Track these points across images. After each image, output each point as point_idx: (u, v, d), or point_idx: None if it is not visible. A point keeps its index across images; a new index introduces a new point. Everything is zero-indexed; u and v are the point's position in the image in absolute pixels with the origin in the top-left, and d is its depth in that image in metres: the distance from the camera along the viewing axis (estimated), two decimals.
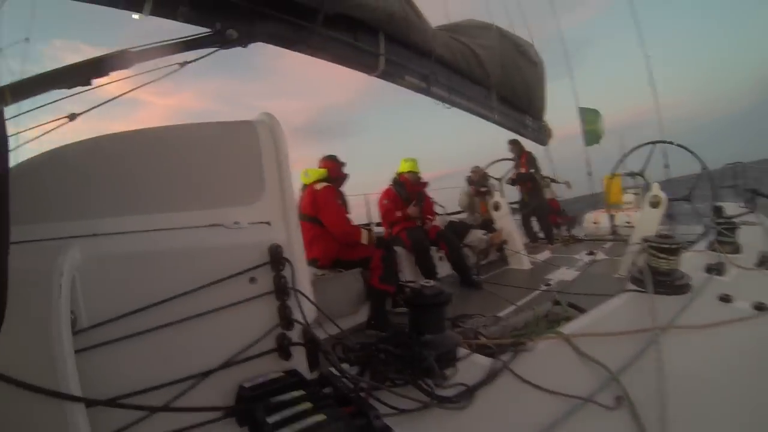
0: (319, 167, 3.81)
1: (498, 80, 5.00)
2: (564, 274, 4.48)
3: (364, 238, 3.55)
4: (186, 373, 1.20)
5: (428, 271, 4.31)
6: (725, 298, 1.89)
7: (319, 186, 3.61)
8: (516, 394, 1.37)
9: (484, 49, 4.84)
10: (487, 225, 5.52)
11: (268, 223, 1.49)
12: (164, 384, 1.16)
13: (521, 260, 5.09)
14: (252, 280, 1.34)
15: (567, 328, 1.75)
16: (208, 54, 2.56)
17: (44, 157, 1.31)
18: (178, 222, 1.33)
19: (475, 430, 1.26)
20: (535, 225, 6.66)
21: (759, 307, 1.75)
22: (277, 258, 1.36)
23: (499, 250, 5.37)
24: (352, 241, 3.56)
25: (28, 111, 2.23)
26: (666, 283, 2.00)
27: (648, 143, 4.83)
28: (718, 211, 4.09)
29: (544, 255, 5.49)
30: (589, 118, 7.95)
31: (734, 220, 3.17)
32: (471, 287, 4.38)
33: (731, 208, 4.51)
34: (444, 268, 4.63)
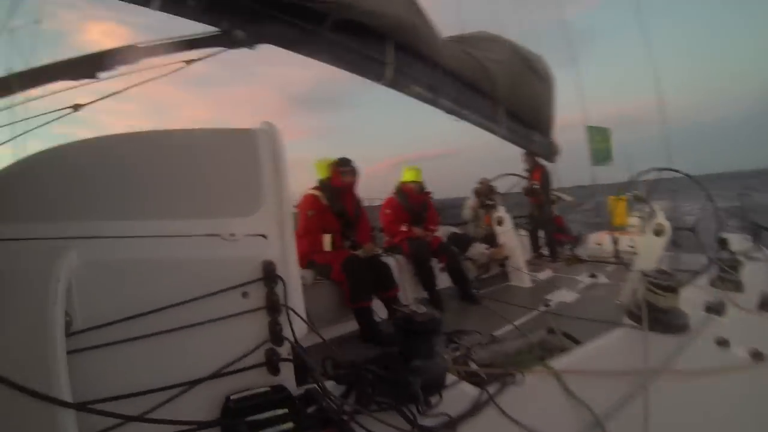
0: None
1: (506, 94, 4.96)
2: (564, 295, 4.42)
3: (327, 245, 3.56)
4: (175, 381, 1.20)
5: (427, 283, 4.26)
6: (722, 342, 1.83)
7: (307, 191, 3.69)
8: (499, 429, 1.35)
9: (493, 63, 4.81)
10: (490, 239, 5.47)
11: (264, 236, 1.48)
12: (151, 390, 1.15)
13: (522, 277, 5.03)
14: (244, 294, 1.34)
15: (558, 362, 1.73)
16: (215, 54, 2.56)
17: (45, 154, 1.32)
18: (175, 229, 1.34)
19: None
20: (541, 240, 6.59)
21: (756, 356, 1.71)
22: (270, 274, 1.37)
23: (500, 266, 5.31)
24: (310, 249, 3.60)
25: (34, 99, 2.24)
26: (663, 320, 1.95)
27: (654, 169, 4.77)
28: (722, 243, 4.02)
29: (546, 273, 5.42)
30: (598, 137, 7.87)
31: (738, 255, 3.10)
32: (470, 301, 4.33)
33: (737, 240, 4.43)
34: (443, 280, 4.58)
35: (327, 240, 3.56)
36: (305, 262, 3.66)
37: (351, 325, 3.51)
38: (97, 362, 1.13)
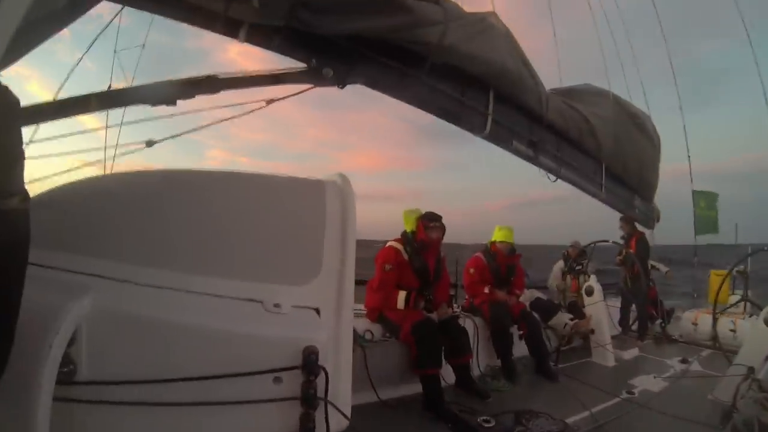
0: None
1: (610, 153, 4.63)
2: (650, 382, 3.98)
3: (400, 303, 3.35)
4: None
5: (503, 352, 3.97)
6: None
7: (389, 243, 3.56)
8: None
9: (598, 119, 4.51)
10: (575, 308, 5.06)
11: (316, 310, 1.29)
12: None
13: (606, 355, 4.59)
14: (276, 380, 1.15)
15: None
16: (300, 92, 2.50)
17: (79, 185, 1.26)
18: (212, 288, 1.18)
19: None
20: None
21: None
22: (310, 364, 1.16)
23: (583, 339, 4.90)
24: (383, 304, 3.44)
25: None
26: None
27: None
28: None
29: (632, 352, 4.94)
30: (703, 203, 7.18)
31: None
32: (546, 376, 4.00)
33: None
34: (520, 348, 4.28)
35: (401, 297, 3.37)
36: (376, 315, 3.51)
37: (415, 387, 3.28)
38: (99, 419, 1.00)
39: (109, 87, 2.43)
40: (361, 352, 3.05)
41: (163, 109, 2.15)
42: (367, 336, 3.32)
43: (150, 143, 2.21)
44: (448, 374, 3.43)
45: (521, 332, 4.25)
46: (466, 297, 4.57)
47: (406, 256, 3.47)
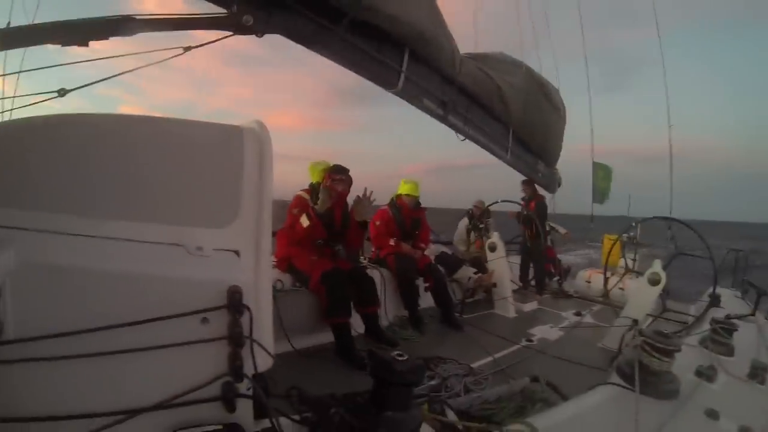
0: None
1: (518, 120, 4.88)
2: (547, 331, 4.37)
3: (304, 221, 3.43)
4: (116, 408, 1.05)
5: (410, 302, 4.16)
6: (712, 414, 1.73)
7: (298, 192, 3.61)
8: None
9: (509, 86, 4.72)
10: (479, 263, 5.38)
11: (236, 252, 1.31)
12: (86, 415, 1.00)
13: (507, 307, 4.96)
14: (204, 320, 1.17)
15: (541, 420, 1.57)
16: (218, 39, 2.40)
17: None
18: (133, 233, 1.17)
19: None
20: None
21: None
22: (235, 303, 1.19)
23: (486, 292, 5.23)
24: (290, 240, 3.52)
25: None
26: (654, 384, 1.83)
27: (655, 218, 4.72)
28: (715, 299, 3.96)
29: (531, 305, 5.36)
30: (601, 174, 7.83)
31: (731, 316, 3.01)
32: (451, 326, 4.25)
33: (727, 296, 4.38)
34: (427, 300, 4.49)
35: (305, 217, 3.42)
36: (285, 264, 3.56)
37: (327, 336, 3.39)
38: (28, 377, 0.99)
39: (8, 24, 2.21)
40: (273, 301, 3.11)
41: (74, 54, 1.99)
42: (278, 286, 3.35)
43: (62, 92, 2.03)
44: (358, 324, 3.56)
45: (427, 284, 4.44)
46: (373, 249, 4.70)
47: (313, 206, 3.52)
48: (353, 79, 3.26)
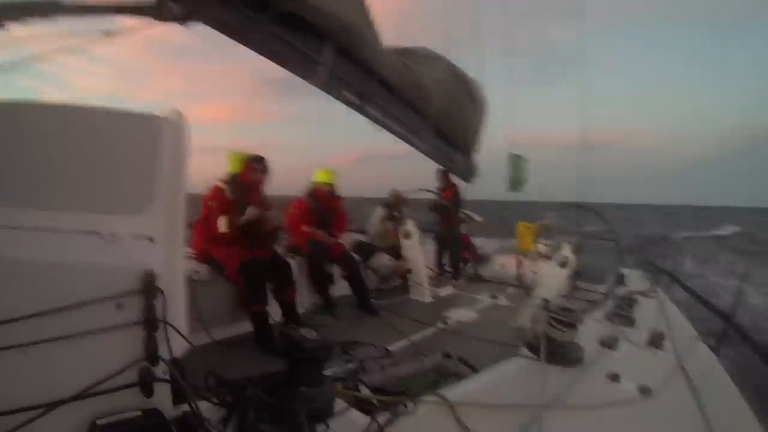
0: None
1: (437, 113, 5.05)
2: (463, 314, 4.55)
3: (222, 226, 3.40)
4: (35, 401, 1.04)
5: (320, 288, 4.26)
6: (613, 377, 1.92)
7: (216, 182, 3.54)
8: None
9: (430, 80, 4.86)
10: (394, 251, 5.54)
11: (151, 239, 1.33)
12: (3, 412, 0.99)
13: (423, 292, 5.13)
14: (119, 306, 1.19)
15: (452, 391, 1.69)
16: (142, 28, 2.32)
17: None
18: (48, 222, 1.16)
19: None
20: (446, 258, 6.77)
21: (643, 391, 1.80)
22: (148, 287, 1.22)
23: (402, 278, 5.39)
24: (207, 234, 3.48)
25: None
26: (559, 353, 2.01)
27: (564, 205, 5.02)
28: (620, 279, 4.36)
29: (447, 290, 5.57)
30: (516, 164, 8.24)
31: (633, 292, 3.32)
32: (367, 312, 4.37)
33: (633, 276, 4.81)
34: (344, 288, 4.60)
35: (223, 220, 3.39)
36: (202, 256, 3.53)
37: (246, 326, 3.42)
38: None
39: None
40: (191, 292, 3.06)
41: None
42: (195, 276, 3.33)
43: None
44: (276, 312, 3.59)
45: (344, 273, 4.55)
46: (288, 238, 4.71)
47: (230, 196, 3.50)
48: (281, 69, 3.24)
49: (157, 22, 2.32)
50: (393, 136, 4.59)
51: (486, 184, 7.36)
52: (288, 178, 3.81)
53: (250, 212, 3.46)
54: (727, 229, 38.13)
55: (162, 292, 1.25)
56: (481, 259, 7.30)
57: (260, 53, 3.06)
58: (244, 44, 2.92)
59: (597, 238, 4.85)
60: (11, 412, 1.00)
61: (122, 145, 1.35)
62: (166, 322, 1.26)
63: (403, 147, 5.07)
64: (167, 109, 1.46)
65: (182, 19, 2.36)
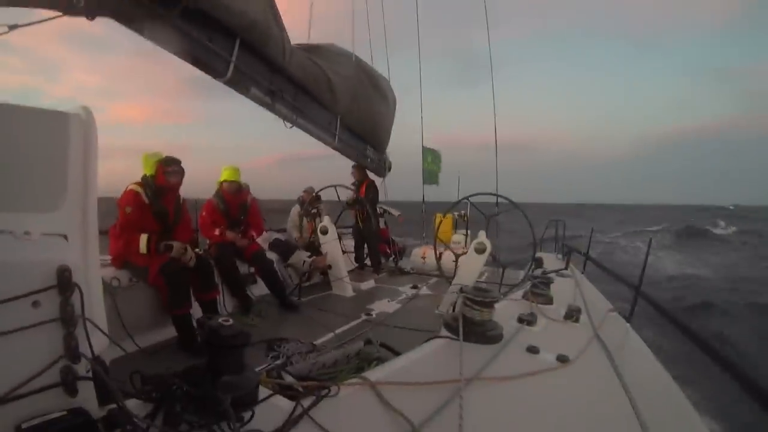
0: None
1: (346, 109, 5.13)
2: (386, 305, 4.65)
3: (142, 247, 3.27)
4: None
5: (234, 288, 4.20)
6: (532, 350, 2.02)
7: (129, 186, 3.36)
8: None
9: (338, 76, 4.92)
10: (313, 247, 5.56)
11: (64, 236, 1.29)
12: None
13: (344, 287, 5.18)
14: (35, 304, 1.13)
15: (375, 374, 1.73)
16: (47, 19, 2.22)
17: None
18: None
19: None
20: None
21: (561, 359, 1.91)
22: (64, 282, 1.17)
23: (322, 274, 5.42)
24: (126, 250, 3.33)
25: None
26: (478, 332, 2.10)
27: (479, 194, 5.26)
28: (538, 262, 4.65)
29: (369, 284, 5.65)
30: (430, 157, 8.58)
31: (550, 273, 3.56)
32: (287, 308, 4.36)
33: (550, 259, 5.15)
34: (263, 288, 4.55)
35: (143, 241, 3.25)
36: (121, 262, 3.34)
37: (170, 331, 3.32)
38: None
39: None
40: (111, 300, 2.93)
41: None
42: (114, 283, 3.18)
43: None
44: (197, 314, 3.46)
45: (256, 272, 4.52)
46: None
47: (146, 200, 3.34)
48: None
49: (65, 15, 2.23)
50: (309, 139, 4.62)
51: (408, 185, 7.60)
52: (208, 181, 3.65)
53: (177, 251, 3.35)
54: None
55: (79, 287, 1.20)
56: (401, 251, 7.49)
57: (168, 50, 2.97)
58: (151, 40, 2.83)
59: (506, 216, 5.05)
60: None
61: (30, 142, 1.30)
62: (85, 318, 1.22)
63: (323, 148, 5.11)
64: (75, 106, 1.43)
65: (89, 13, 2.28)
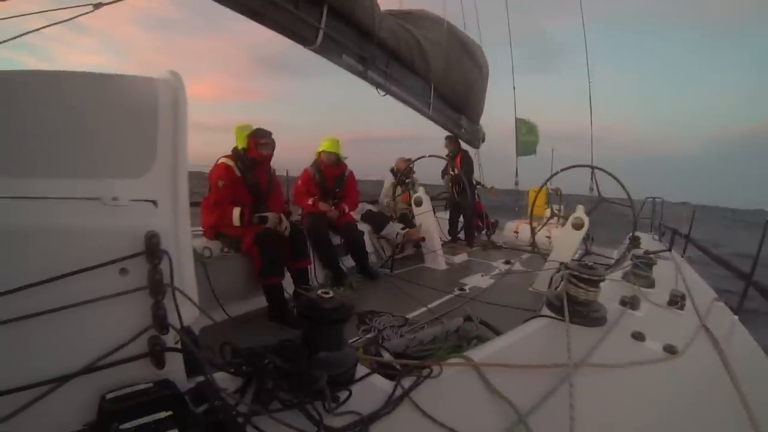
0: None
1: (439, 76, 4.95)
2: (479, 280, 4.51)
3: (236, 220, 3.32)
4: (41, 378, 0.98)
5: (326, 260, 4.20)
6: (638, 336, 1.88)
7: (220, 159, 3.42)
8: (415, 428, 1.21)
9: (430, 43, 4.75)
10: (406, 219, 5.47)
11: (154, 202, 1.27)
12: (9, 390, 0.93)
13: (437, 260, 5.07)
14: (122, 271, 1.11)
15: (477, 353, 1.63)
16: None
17: None
18: (47, 190, 1.10)
19: None
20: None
21: (669, 350, 1.76)
22: (153, 249, 1.14)
23: (415, 247, 5.33)
24: (219, 222, 3.39)
25: None
26: (583, 313, 1.96)
27: (576, 166, 4.94)
28: (636, 241, 4.28)
29: (461, 257, 5.50)
30: (524, 128, 8.14)
31: (651, 254, 3.27)
32: (367, 276, 4.36)
33: (646, 239, 4.72)
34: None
35: (236, 214, 3.32)
36: (213, 233, 3.46)
37: (260, 301, 3.37)
38: None
39: None
40: (203, 270, 3.00)
41: None
42: (206, 253, 3.27)
43: None
44: (289, 287, 3.52)
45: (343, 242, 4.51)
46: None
47: (238, 173, 3.40)
48: (274, 47, 3.20)
49: None
50: (382, 119, 4.54)
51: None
52: (280, 157, 3.71)
53: (272, 221, 3.40)
54: None
55: (168, 254, 1.17)
56: (494, 225, 7.24)
57: (256, 20, 2.99)
58: (238, 11, 2.86)
59: (612, 201, 4.73)
60: (18, 389, 0.94)
61: (120, 109, 1.28)
62: (174, 287, 1.19)
63: (397, 130, 5.00)
64: (164, 71, 1.40)
65: None
